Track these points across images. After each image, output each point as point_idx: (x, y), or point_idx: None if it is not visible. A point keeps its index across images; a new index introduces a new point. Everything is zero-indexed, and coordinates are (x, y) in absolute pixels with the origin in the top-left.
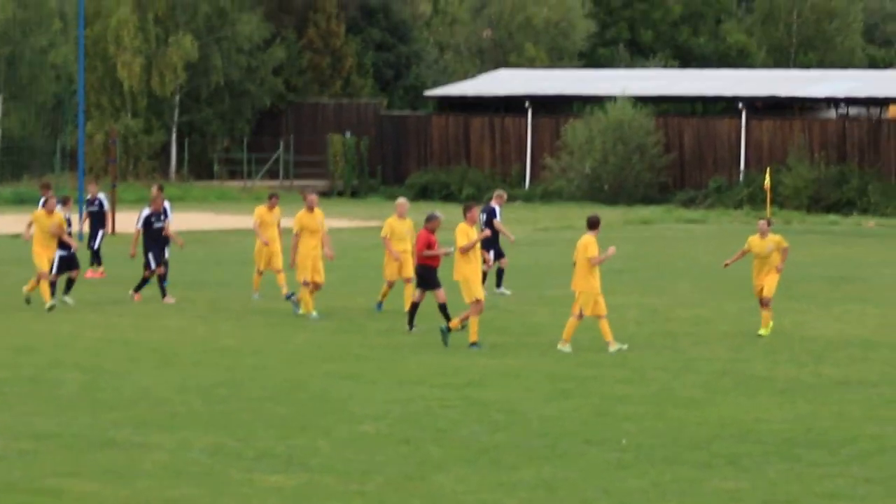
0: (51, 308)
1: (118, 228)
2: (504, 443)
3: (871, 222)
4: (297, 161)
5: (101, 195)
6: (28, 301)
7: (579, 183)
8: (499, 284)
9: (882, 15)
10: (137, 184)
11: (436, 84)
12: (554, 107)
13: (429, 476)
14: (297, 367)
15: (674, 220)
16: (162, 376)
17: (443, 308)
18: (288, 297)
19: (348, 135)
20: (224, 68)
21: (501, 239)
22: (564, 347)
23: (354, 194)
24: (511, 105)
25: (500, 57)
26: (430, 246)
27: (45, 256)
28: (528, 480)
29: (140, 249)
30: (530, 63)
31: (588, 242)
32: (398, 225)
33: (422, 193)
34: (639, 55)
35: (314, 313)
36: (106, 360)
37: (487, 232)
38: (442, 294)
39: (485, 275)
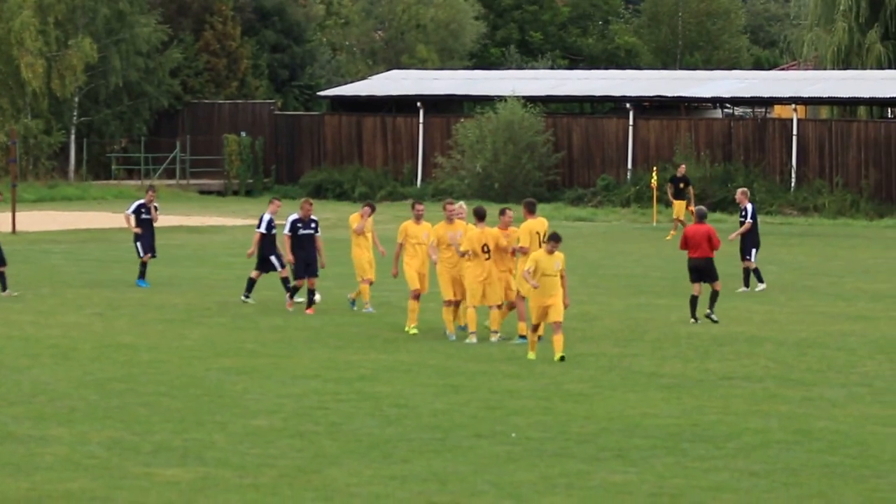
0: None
1: (18, 227)
2: (396, 436)
3: None
4: (193, 160)
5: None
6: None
7: (470, 181)
8: (747, 284)
9: (766, 17)
10: (37, 183)
11: (329, 84)
12: (445, 107)
13: (322, 469)
14: (193, 362)
15: (563, 218)
16: (60, 371)
17: (716, 295)
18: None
19: (243, 134)
20: (123, 70)
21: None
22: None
23: (249, 193)
24: (403, 105)
25: (392, 57)
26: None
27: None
28: (419, 473)
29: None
30: (422, 64)
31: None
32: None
33: (315, 192)
34: (528, 56)
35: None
36: (5, 355)
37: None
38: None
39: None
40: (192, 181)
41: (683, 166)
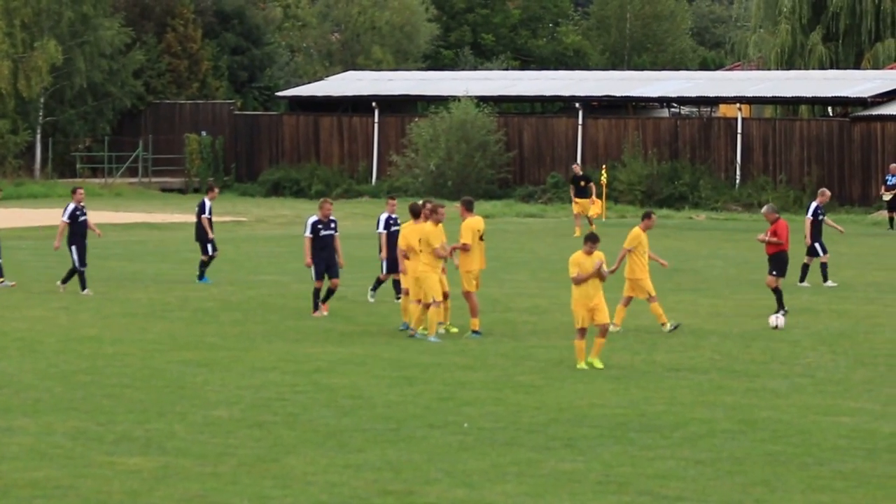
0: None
1: None
2: (351, 426)
3: (701, 216)
4: (155, 159)
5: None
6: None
7: (424, 179)
8: (825, 279)
9: (711, 18)
10: (4, 181)
11: (287, 85)
12: (400, 106)
13: (280, 458)
14: (155, 355)
15: (514, 214)
16: (26, 364)
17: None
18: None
19: (204, 134)
20: (87, 71)
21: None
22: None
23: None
24: (359, 105)
25: (348, 59)
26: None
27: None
28: (373, 462)
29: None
30: (377, 65)
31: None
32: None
33: (273, 190)
34: (481, 57)
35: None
36: None
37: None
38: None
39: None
40: (154, 179)
41: (577, 165)
